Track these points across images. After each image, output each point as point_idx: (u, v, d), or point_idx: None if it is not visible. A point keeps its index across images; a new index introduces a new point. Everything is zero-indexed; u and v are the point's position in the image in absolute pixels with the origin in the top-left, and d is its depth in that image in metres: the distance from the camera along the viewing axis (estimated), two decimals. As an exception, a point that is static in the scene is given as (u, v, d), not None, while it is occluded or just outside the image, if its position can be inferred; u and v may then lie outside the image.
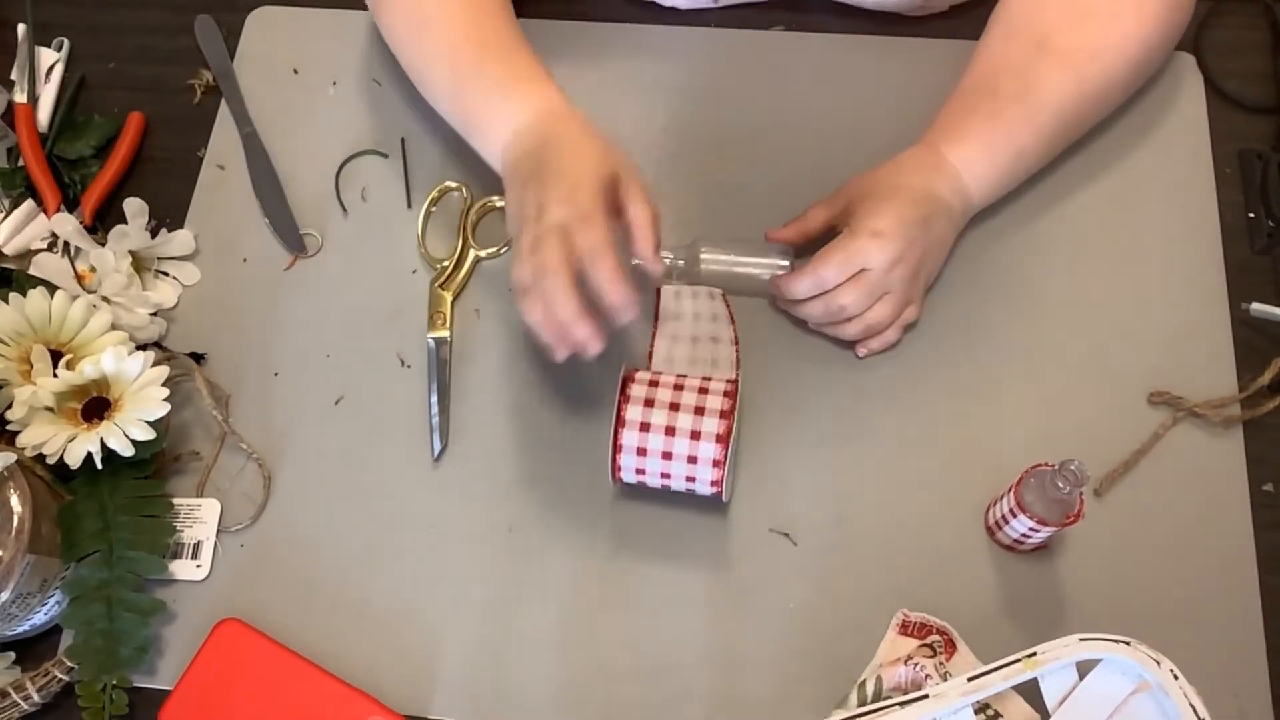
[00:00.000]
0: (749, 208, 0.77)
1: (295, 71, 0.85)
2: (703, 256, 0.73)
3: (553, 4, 0.83)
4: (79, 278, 0.73)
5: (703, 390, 0.64)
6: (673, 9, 0.83)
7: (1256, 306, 0.70)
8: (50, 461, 0.65)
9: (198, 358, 0.75)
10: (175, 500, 0.70)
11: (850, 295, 0.67)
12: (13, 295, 0.68)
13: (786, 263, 0.72)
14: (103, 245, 0.74)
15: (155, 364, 0.68)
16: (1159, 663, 0.55)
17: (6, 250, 0.76)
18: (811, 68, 0.81)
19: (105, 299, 0.73)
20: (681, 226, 0.76)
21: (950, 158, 0.69)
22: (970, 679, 0.56)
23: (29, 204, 0.78)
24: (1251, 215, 0.75)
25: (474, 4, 0.70)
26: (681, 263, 0.73)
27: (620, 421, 0.63)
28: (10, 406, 0.66)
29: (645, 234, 0.62)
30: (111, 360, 0.66)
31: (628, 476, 0.65)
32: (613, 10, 0.84)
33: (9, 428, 0.66)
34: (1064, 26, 0.70)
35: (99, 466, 0.65)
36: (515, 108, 0.67)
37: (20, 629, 0.66)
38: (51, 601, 0.66)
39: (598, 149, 0.63)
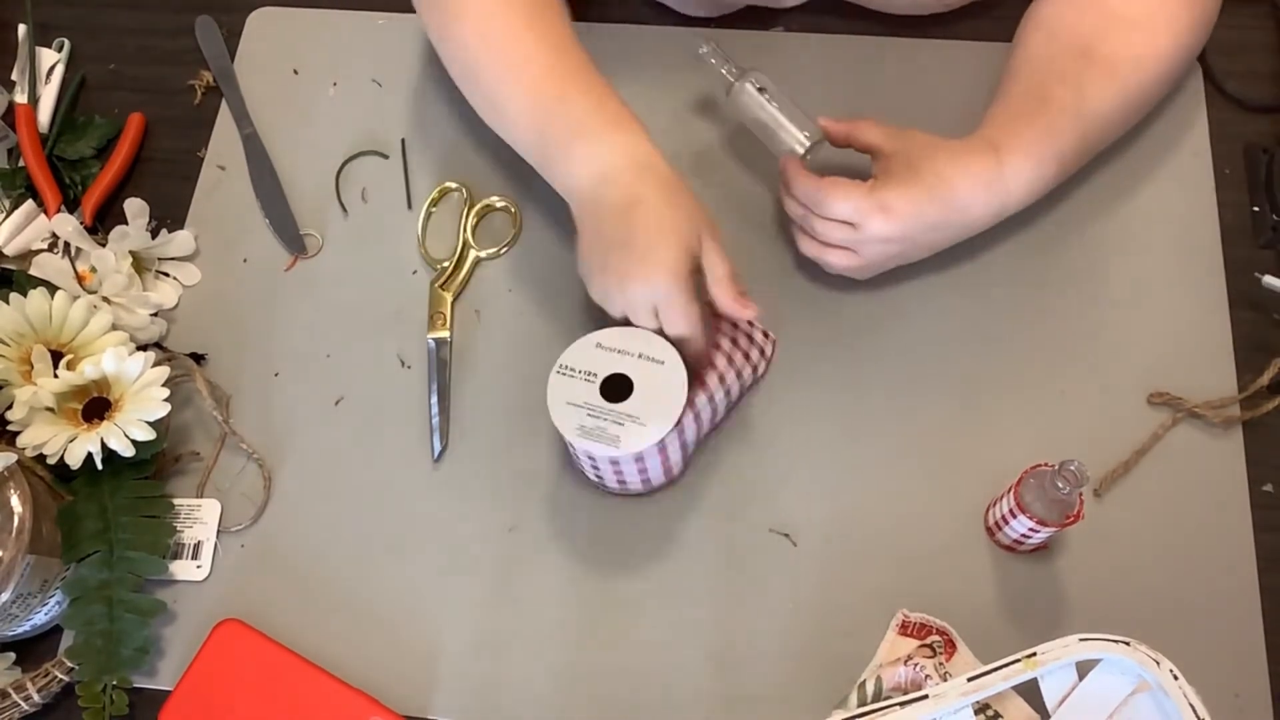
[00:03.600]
0: (749, 209, 0.77)
1: (295, 71, 0.85)
2: (746, 86, 0.72)
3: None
4: (79, 278, 0.73)
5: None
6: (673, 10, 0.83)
7: (1268, 279, 0.70)
8: (51, 462, 0.65)
9: (198, 358, 0.75)
10: (175, 500, 0.71)
11: (828, 230, 0.68)
12: (13, 295, 0.68)
13: (807, 144, 0.71)
14: (103, 246, 0.74)
15: (156, 364, 0.68)
16: (1159, 663, 0.55)
17: (7, 251, 0.76)
18: (812, 68, 0.81)
19: (106, 299, 0.73)
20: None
21: (1006, 165, 0.67)
22: (970, 679, 0.56)
23: (29, 204, 0.78)
24: (1256, 209, 0.75)
25: (553, 35, 0.69)
26: (725, 70, 0.73)
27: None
28: (11, 407, 0.66)
29: (725, 289, 0.63)
30: (112, 361, 0.66)
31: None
32: (613, 10, 0.84)
33: (9, 428, 0.66)
34: (1106, 34, 0.70)
35: (99, 467, 0.65)
36: (605, 150, 0.65)
37: (20, 629, 0.66)
38: (52, 602, 0.66)
39: (682, 223, 0.62)
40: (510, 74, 0.69)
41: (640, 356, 0.63)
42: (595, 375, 0.63)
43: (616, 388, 0.63)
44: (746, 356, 0.68)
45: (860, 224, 0.66)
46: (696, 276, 0.63)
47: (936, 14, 0.81)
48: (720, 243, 0.64)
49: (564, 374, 0.63)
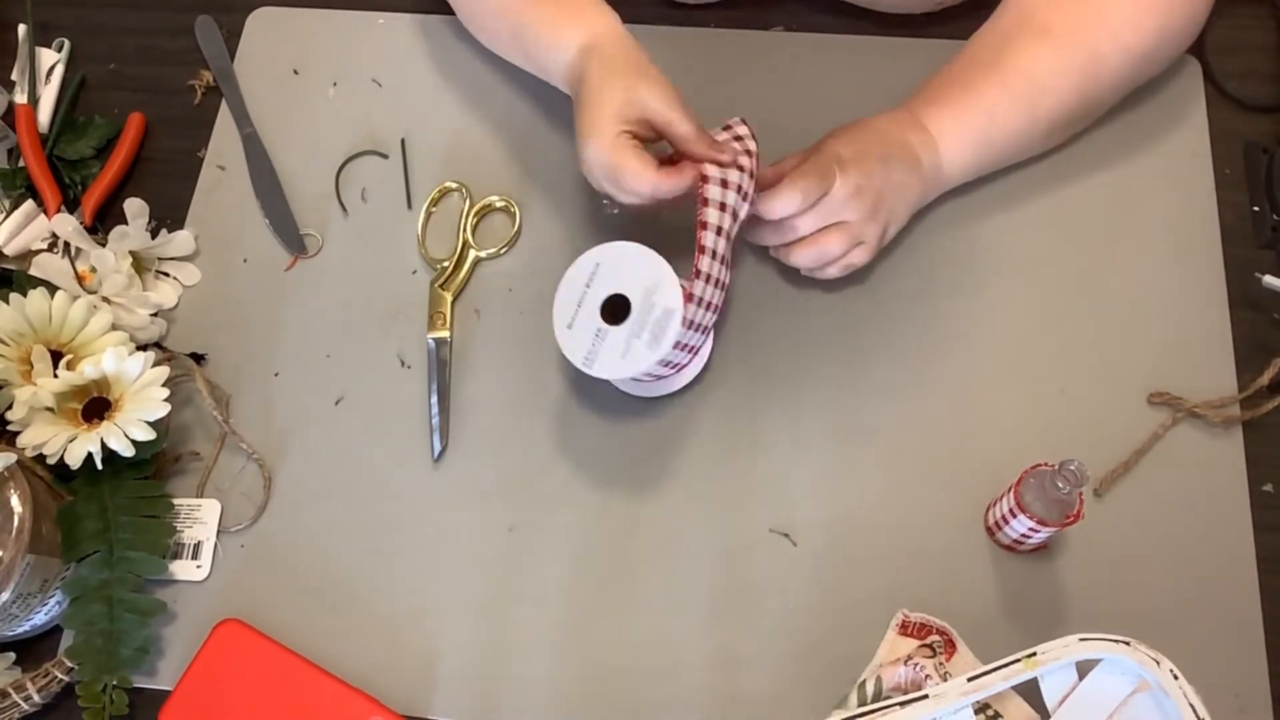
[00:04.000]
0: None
1: (295, 71, 0.85)
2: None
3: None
4: (79, 278, 0.73)
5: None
6: (674, 4, 0.83)
7: (1268, 279, 0.70)
8: (50, 462, 0.65)
9: (198, 358, 0.75)
10: (175, 500, 0.71)
11: (805, 218, 0.68)
12: (13, 295, 0.68)
13: None
14: (103, 246, 0.74)
15: (155, 364, 0.68)
16: (1159, 663, 0.55)
17: (7, 251, 0.76)
18: (812, 68, 0.81)
19: (105, 299, 0.73)
20: (682, 224, 0.76)
21: (923, 118, 0.71)
22: (970, 679, 0.56)
23: (29, 204, 0.78)
24: (1256, 209, 0.75)
25: None
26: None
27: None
28: (10, 407, 0.66)
29: (690, 144, 0.66)
30: (112, 361, 0.66)
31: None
32: (618, 9, 0.84)
33: (9, 428, 0.66)
34: (1048, 7, 0.70)
35: (99, 467, 0.65)
36: (561, 47, 0.70)
37: (20, 629, 0.66)
38: (52, 602, 0.66)
39: (613, 92, 0.66)
40: None
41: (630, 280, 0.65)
42: (586, 299, 0.65)
43: (616, 309, 0.65)
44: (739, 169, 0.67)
45: (823, 195, 0.67)
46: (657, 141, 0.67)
47: (930, 13, 0.81)
48: (677, 104, 0.65)
49: (565, 324, 0.65)
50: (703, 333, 0.68)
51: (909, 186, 0.70)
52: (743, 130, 0.69)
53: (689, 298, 0.63)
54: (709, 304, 0.66)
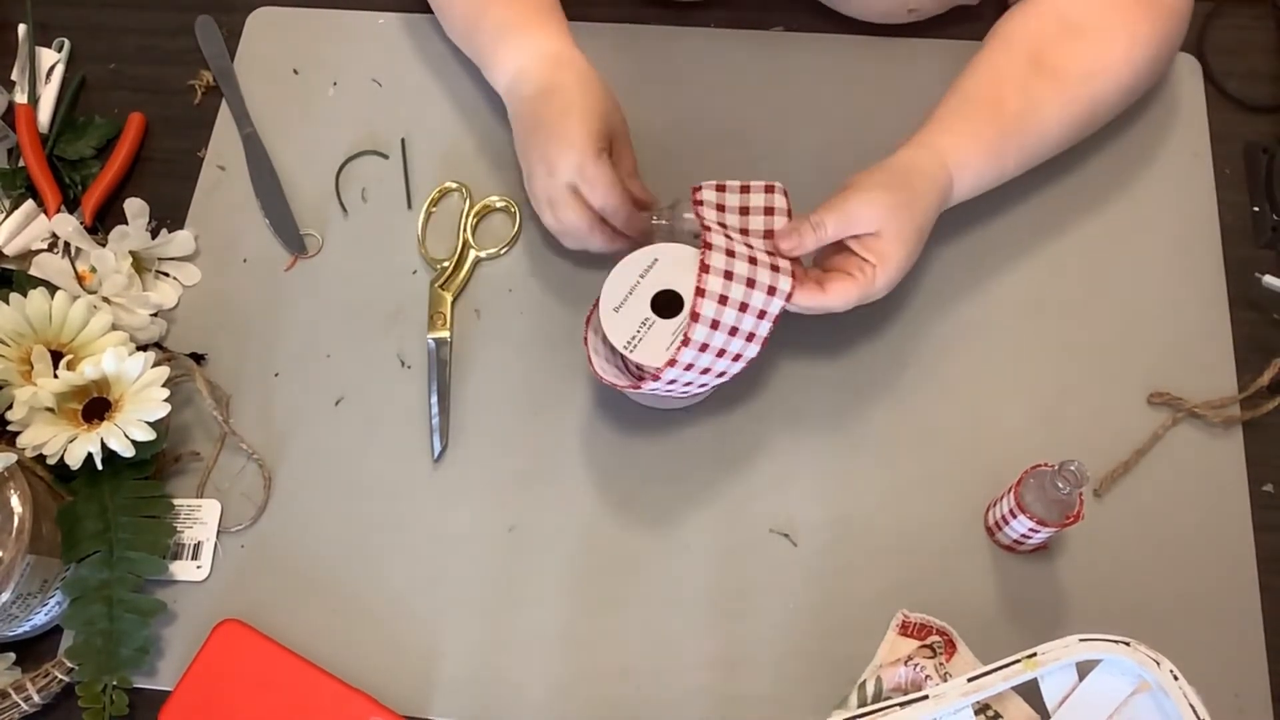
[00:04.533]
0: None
1: (295, 71, 0.85)
2: (686, 216, 0.72)
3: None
4: (79, 278, 0.73)
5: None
6: (670, 4, 0.83)
7: (1268, 279, 0.70)
8: (50, 462, 0.65)
9: (198, 358, 0.75)
10: (175, 501, 0.71)
11: (834, 261, 0.66)
12: (13, 296, 0.68)
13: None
14: (103, 246, 0.74)
15: (155, 364, 0.68)
16: (1159, 663, 0.55)
17: (7, 251, 0.76)
18: (811, 68, 0.81)
19: (106, 299, 0.73)
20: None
21: (944, 154, 0.68)
22: (970, 679, 0.56)
23: (29, 204, 0.78)
24: (1256, 209, 0.75)
25: None
26: (664, 223, 0.73)
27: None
28: (10, 407, 0.66)
29: (632, 183, 0.71)
30: (112, 361, 0.66)
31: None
32: (614, 10, 0.84)
33: (9, 428, 0.66)
34: (1058, 44, 0.70)
35: (99, 467, 0.65)
36: (517, 48, 0.72)
37: (20, 629, 0.66)
38: (52, 602, 0.66)
39: (594, 105, 0.68)
40: None
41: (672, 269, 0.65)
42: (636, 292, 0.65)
43: (669, 304, 0.64)
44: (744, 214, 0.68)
45: (848, 227, 0.64)
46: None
47: (912, 24, 0.81)
48: (629, 141, 0.71)
49: (613, 312, 0.64)
50: (728, 361, 0.65)
51: (923, 213, 0.67)
52: (765, 201, 0.68)
53: (696, 316, 0.62)
54: (701, 368, 0.64)
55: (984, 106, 0.69)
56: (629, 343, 0.63)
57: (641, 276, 0.65)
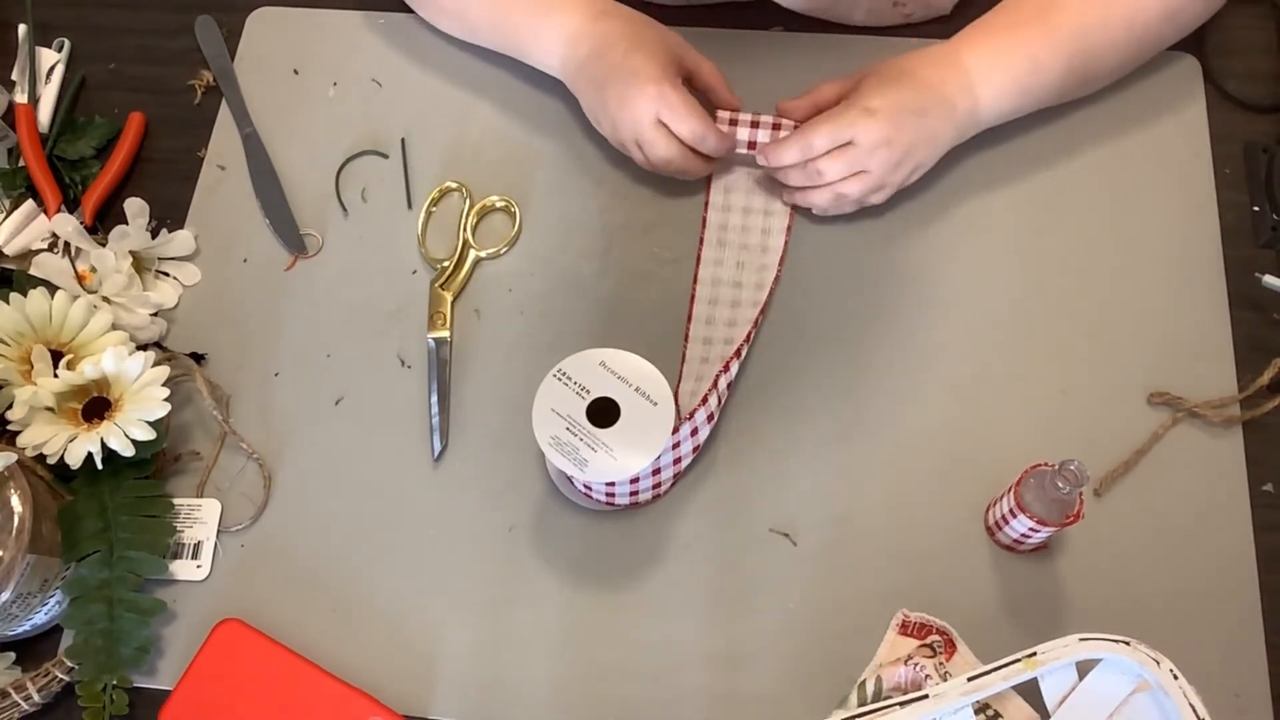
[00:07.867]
0: (749, 208, 0.77)
1: (295, 71, 0.85)
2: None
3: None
4: (79, 278, 0.73)
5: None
6: (669, 4, 0.83)
7: (1268, 279, 0.70)
8: (51, 461, 0.65)
9: (198, 358, 0.75)
10: (175, 500, 0.71)
11: (832, 164, 0.69)
12: (13, 295, 0.68)
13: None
14: (103, 245, 0.74)
15: (155, 364, 0.68)
16: (1159, 663, 0.55)
17: (7, 250, 0.76)
18: (811, 68, 0.81)
19: (106, 299, 0.73)
20: (683, 224, 0.76)
21: (965, 59, 0.70)
22: (970, 679, 0.56)
23: (30, 204, 0.78)
24: (1256, 209, 0.75)
25: None
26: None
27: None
28: (11, 406, 0.66)
29: (721, 91, 0.75)
30: (112, 360, 0.66)
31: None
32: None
33: (9, 428, 0.66)
34: None
35: (99, 466, 0.65)
36: (562, 17, 0.73)
37: (20, 629, 0.66)
38: (52, 601, 0.66)
39: (656, 40, 0.71)
40: None
41: (637, 391, 0.62)
42: (588, 392, 0.62)
43: (604, 412, 0.62)
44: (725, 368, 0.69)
45: (853, 138, 0.68)
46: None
47: (921, 22, 0.81)
48: (700, 55, 0.73)
49: (559, 379, 0.62)
50: (608, 493, 0.67)
51: (941, 134, 0.71)
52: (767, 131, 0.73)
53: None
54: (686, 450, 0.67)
55: (1009, 12, 0.71)
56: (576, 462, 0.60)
57: (584, 387, 0.62)
